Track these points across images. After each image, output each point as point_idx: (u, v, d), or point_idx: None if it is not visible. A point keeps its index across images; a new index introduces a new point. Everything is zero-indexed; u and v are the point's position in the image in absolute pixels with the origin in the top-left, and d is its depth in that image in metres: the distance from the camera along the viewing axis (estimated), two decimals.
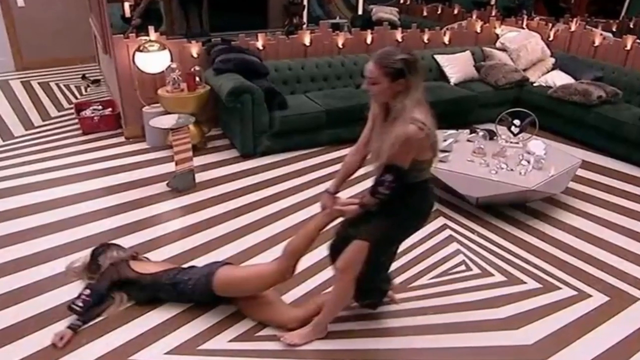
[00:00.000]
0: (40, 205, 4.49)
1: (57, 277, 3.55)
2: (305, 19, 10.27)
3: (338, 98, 5.95)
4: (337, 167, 3.18)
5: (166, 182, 4.87)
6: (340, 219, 2.96)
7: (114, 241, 3.76)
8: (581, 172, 5.28)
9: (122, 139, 5.99)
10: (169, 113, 5.26)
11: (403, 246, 3.19)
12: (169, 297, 3.29)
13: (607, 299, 3.54)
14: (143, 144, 5.83)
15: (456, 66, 6.91)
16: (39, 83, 8.15)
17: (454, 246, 4.12)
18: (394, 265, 3.33)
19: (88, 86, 8.06)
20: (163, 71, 5.61)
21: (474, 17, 8.13)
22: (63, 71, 8.85)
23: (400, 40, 7.00)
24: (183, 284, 3.20)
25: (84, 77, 8.33)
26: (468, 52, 7.16)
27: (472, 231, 4.34)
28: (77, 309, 3.13)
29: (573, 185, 5.03)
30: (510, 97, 6.77)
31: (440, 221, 4.48)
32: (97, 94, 7.61)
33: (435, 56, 6.96)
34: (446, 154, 4.67)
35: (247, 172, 5.28)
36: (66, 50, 9.05)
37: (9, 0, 8.47)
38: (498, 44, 7.50)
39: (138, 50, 5.48)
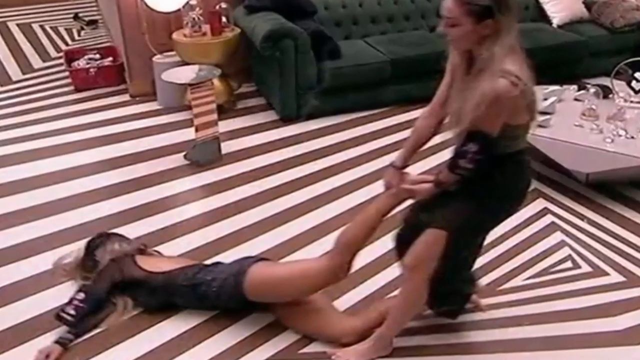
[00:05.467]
0: (20, 183, 4.60)
1: (41, 277, 3.60)
2: None
3: (406, 44, 5.95)
4: (406, 133, 3.17)
5: (183, 153, 4.96)
6: (409, 202, 2.98)
7: (115, 230, 3.84)
8: None
9: (126, 97, 6.14)
10: (188, 64, 5.35)
11: (490, 237, 3.17)
12: (187, 302, 3.34)
13: None
14: (153, 104, 5.96)
15: (560, 3, 6.83)
16: (17, 25, 8.33)
17: (558, 236, 4.11)
18: (479, 262, 3.34)
19: (82, 29, 8.22)
20: (179, 9, 5.64)
21: None
22: (49, 9, 9.03)
23: None
24: (205, 286, 3.23)
25: (76, 17, 8.49)
26: None
27: (581, 217, 4.32)
28: (68, 318, 3.15)
29: None
30: (630, 43, 6.70)
31: (539, 204, 4.46)
32: (93, 39, 7.78)
33: None
34: (547, 117, 4.65)
35: (288, 140, 5.35)
36: None
37: None
38: None
39: None
